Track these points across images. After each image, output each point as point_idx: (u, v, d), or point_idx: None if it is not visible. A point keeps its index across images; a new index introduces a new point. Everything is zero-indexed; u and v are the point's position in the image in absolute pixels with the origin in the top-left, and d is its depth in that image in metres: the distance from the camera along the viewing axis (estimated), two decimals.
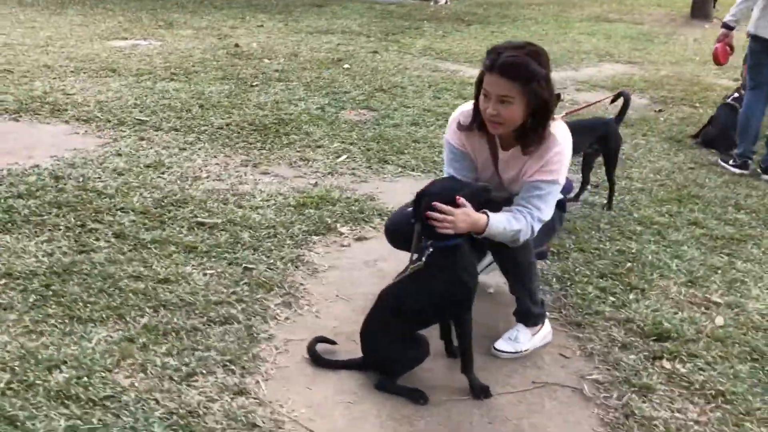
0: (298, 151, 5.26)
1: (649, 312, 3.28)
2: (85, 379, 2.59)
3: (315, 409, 2.60)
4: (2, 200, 4.03)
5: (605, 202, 4.49)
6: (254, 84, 7.21)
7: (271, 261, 3.59)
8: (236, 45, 9.20)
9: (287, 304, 3.24)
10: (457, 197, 2.59)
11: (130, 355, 2.75)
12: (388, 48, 9.83)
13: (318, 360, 2.82)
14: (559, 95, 2.75)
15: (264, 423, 2.48)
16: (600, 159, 4.38)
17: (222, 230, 3.87)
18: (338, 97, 6.86)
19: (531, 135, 2.73)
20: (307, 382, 2.74)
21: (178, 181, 4.52)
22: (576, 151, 4.01)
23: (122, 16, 11.35)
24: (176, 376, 2.66)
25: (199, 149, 5.19)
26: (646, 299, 3.42)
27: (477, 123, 2.81)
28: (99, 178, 4.48)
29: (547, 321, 3.10)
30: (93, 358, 2.71)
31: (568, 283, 3.55)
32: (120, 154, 4.95)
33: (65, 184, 4.32)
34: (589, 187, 4.60)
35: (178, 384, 2.62)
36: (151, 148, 5.13)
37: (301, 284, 3.43)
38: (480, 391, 2.71)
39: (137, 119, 5.79)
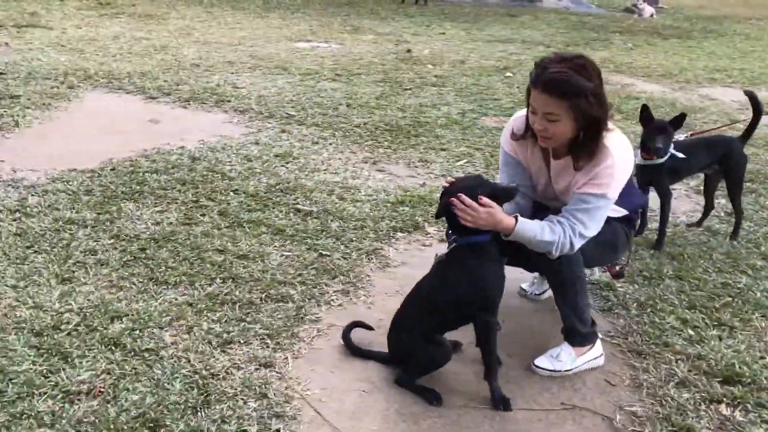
0: (420, 153, 5.35)
1: (728, 352, 2.95)
2: (138, 332, 2.89)
3: (329, 391, 2.68)
4: (141, 173, 4.55)
5: (731, 231, 4.04)
6: (408, 88, 7.39)
7: (348, 251, 3.71)
8: (408, 51, 9.47)
9: (345, 292, 3.34)
10: (480, 196, 2.53)
11: (183, 317, 3.01)
12: None
13: (350, 345, 2.90)
14: (609, 106, 2.58)
15: (274, 396, 2.60)
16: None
17: (315, 218, 4.06)
18: (485, 104, 6.84)
19: (582, 149, 2.60)
20: (332, 366, 2.82)
21: (297, 171, 4.80)
22: (692, 171, 3.71)
23: (316, 20, 12.14)
24: (215, 341, 2.87)
25: (330, 144, 5.46)
26: (732, 338, 3.07)
27: (530, 132, 2.72)
28: (230, 162, 4.90)
29: (598, 344, 2.91)
30: (151, 315, 3.00)
31: (648, 310, 3.29)
32: (257, 143, 5.35)
33: (198, 165, 4.77)
34: (713, 212, 4.18)
35: (213, 348, 2.83)
36: (287, 140, 5.49)
37: (367, 276, 3.52)
38: (499, 402, 2.63)
39: (286, 113, 6.21)
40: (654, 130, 3.70)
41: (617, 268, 3.24)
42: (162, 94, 6.56)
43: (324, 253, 3.65)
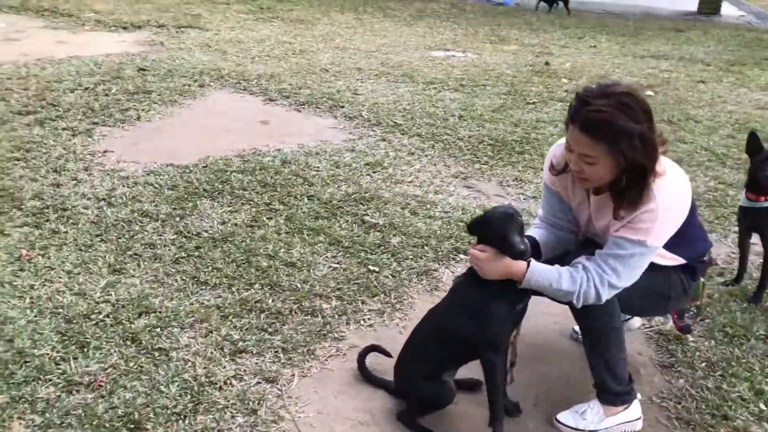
0: (518, 171, 5.06)
1: None
2: (158, 330, 2.93)
3: (324, 416, 2.56)
4: (228, 172, 4.67)
5: None
6: (532, 102, 7.05)
7: (399, 269, 3.56)
8: (546, 63, 9.07)
9: (381, 313, 3.20)
10: (474, 245, 2.31)
11: (207, 320, 3.02)
12: (721, 79, 8.71)
13: (363, 370, 2.76)
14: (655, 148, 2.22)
15: (264, 413, 2.53)
16: None
17: (378, 231, 3.95)
18: None
19: (624, 196, 2.26)
20: (337, 390, 2.70)
21: (381, 181, 4.71)
22: None
23: (463, 29, 11.99)
24: (228, 348, 2.85)
25: (425, 155, 5.31)
26: None
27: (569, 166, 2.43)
28: (317, 167, 4.90)
29: (636, 405, 2.54)
30: (178, 314, 3.04)
31: (718, 373, 2.84)
32: (353, 150, 5.32)
33: (285, 168, 4.82)
34: None
35: (223, 355, 2.80)
36: (383, 149, 5.41)
37: (411, 298, 3.35)
38: None
39: (394, 122, 6.14)
40: (764, 161, 3.18)
41: (685, 319, 2.82)
42: (281, 97, 6.73)
43: (372, 268, 3.52)
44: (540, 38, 11.40)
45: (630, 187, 2.24)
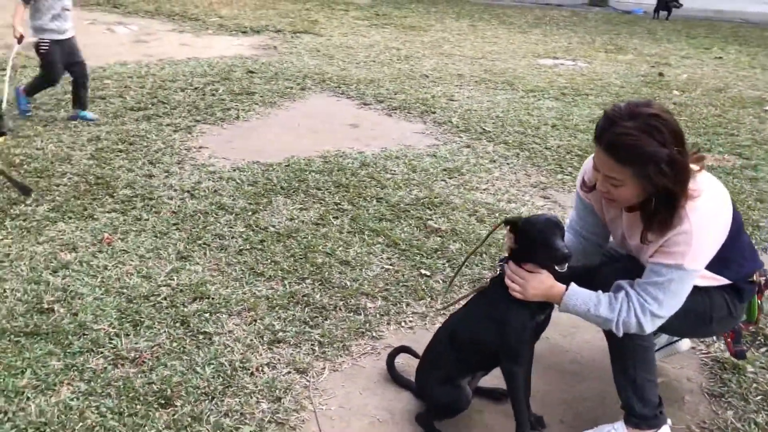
0: None
1: None
2: (208, 314, 3.10)
3: (344, 411, 2.62)
4: (308, 172, 4.85)
5: None
6: None
7: (452, 275, 3.56)
8: (660, 74, 8.69)
9: (423, 316, 3.23)
10: (524, 265, 2.27)
11: (254, 308, 3.17)
12: None
13: (391, 369, 2.80)
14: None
15: (287, 402, 2.62)
16: None
17: (439, 236, 3.97)
18: (715, 139, 6.02)
19: (653, 220, 2.18)
20: (364, 387, 2.75)
21: (454, 187, 4.72)
22: None
23: (579, 37, 11.69)
24: (268, 336, 2.98)
25: (507, 164, 5.26)
26: None
27: None
28: (394, 171, 4.98)
29: (665, 431, 2.42)
30: (229, 301, 3.21)
31: None
32: (434, 156, 5.36)
33: (362, 171, 4.93)
34: None
35: (262, 343, 2.93)
36: (465, 155, 5.41)
37: (458, 304, 3.34)
38: None
39: (483, 129, 6.12)
40: None
41: (741, 344, 2.66)
42: (376, 101, 6.87)
43: (425, 273, 3.54)
44: (660, 48, 10.92)
45: (659, 211, 2.14)
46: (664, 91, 7.81)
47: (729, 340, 2.68)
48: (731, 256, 2.30)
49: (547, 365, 2.90)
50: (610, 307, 2.20)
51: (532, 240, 2.23)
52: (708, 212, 2.14)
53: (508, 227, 2.32)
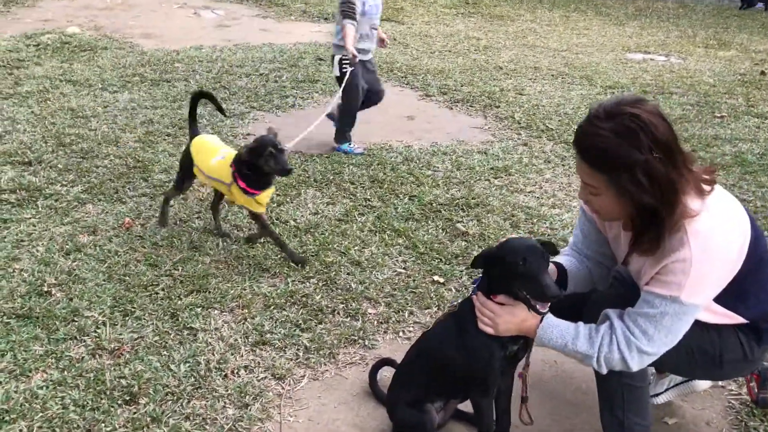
0: None
1: None
2: (200, 309, 3.05)
3: (312, 424, 2.49)
4: (346, 164, 4.71)
5: None
6: (720, 115, 6.24)
7: (468, 283, 3.34)
8: (762, 72, 7.97)
9: (424, 327, 3.03)
10: (493, 296, 2.04)
11: (249, 306, 3.08)
12: None
13: (372, 382, 2.63)
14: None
15: (254, 410, 2.50)
16: None
17: (464, 240, 3.74)
18: None
19: (641, 239, 1.90)
20: (340, 400, 2.60)
21: (495, 188, 4.46)
22: None
23: (679, 31, 10.95)
24: (253, 337, 2.87)
25: (563, 165, 4.94)
26: None
27: None
28: (437, 167, 4.77)
29: None
30: (225, 297, 3.13)
31: None
32: (485, 153, 5.10)
33: (404, 166, 4.75)
34: None
35: (245, 344, 2.83)
36: (519, 154, 5.12)
37: None
38: None
39: (546, 126, 5.78)
40: None
41: (765, 391, 2.32)
42: (439, 93, 6.64)
43: (438, 279, 3.33)
44: None
45: (646, 230, 1.85)
46: (761, 92, 7.14)
47: (752, 384, 2.33)
48: (751, 290, 1.98)
49: (548, 392, 2.65)
50: (590, 341, 1.93)
51: (511, 270, 1.96)
52: (714, 238, 1.83)
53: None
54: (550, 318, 1.98)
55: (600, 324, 1.97)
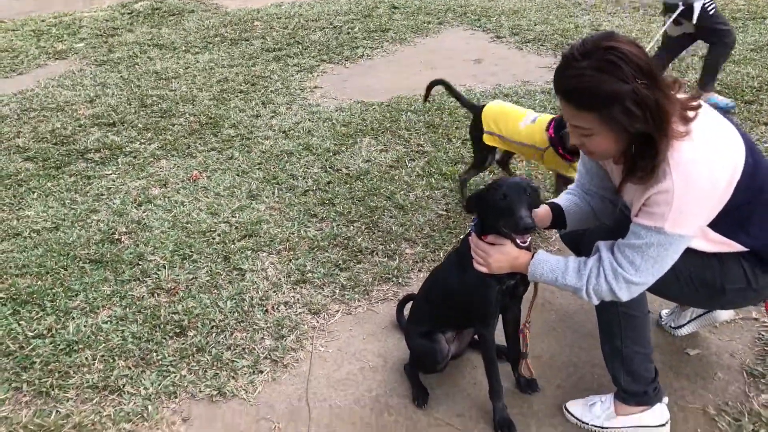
0: None
1: None
2: (249, 252, 3.29)
3: (341, 354, 2.68)
4: (404, 111, 4.82)
5: None
6: None
7: None
8: None
9: None
10: (484, 236, 2.13)
11: (294, 248, 3.30)
12: None
13: (398, 315, 2.79)
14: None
15: (289, 341, 2.73)
16: None
17: None
18: None
19: (636, 169, 1.91)
20: (370, 333, 2.78)
21: None
22: None
23: None
24: (295, 276, 3.09)
25: None
26: None
27: None
28: None
29: (661, 409, 2.20)
30: (273, 240, 3.36)
31: None
32: (549, 92, 5.05)
33: (461, 111, 4.79)
34: None
35: (287, 282, 3.06)
36: None
37: None
38: (501, 424, 2.27)
39: None
40: None
41: None
42: (510, 34, 6.55)
43: None
44: None
45: (639, 160, 1.87)
46: None
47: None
48: (752, 217, 1.96)
49: (568, 326, 2.71)
50: (578, 274, 1.99)
51: (493, 206, 2.04)
52: (697, 166, 1.83)
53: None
54: (540, 254, 2.05)
55: (591, 256, 2.02)
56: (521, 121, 3.12)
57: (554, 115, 3.01)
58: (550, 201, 2.28)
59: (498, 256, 2.08)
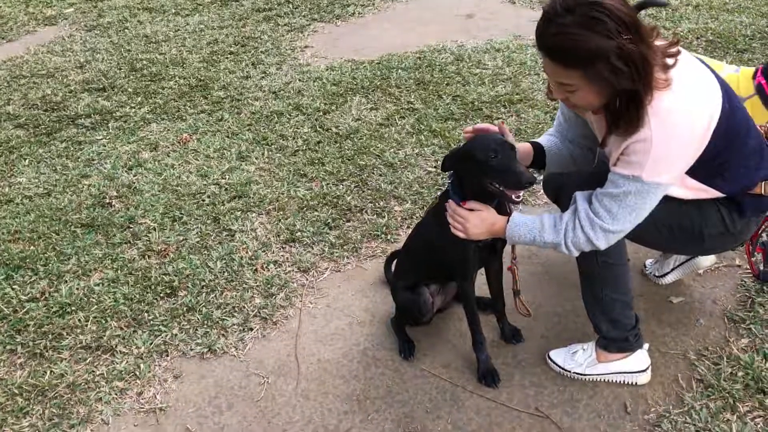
0: None
1: None
2: (239, 213, 3.32)
3: (330, 310, 2.72)
4: (394, 69, 4.78)
5: None
6: None
7: None
8: None
9: None
10: (463, 202, 2.12)
11: (283, 208, 3.32)
12: None
13: (386, 271, 2.82)
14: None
15: (278, 299, 2.78)
16: None
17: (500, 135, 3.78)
18: None
19: (620, 121, 1.89)
20: (358, 289, 2.81)
21: (542, 82, 4.41)
22: None
23: None
24: (284, 235, 3.12)
25: None
26: None
27: None
28: (486, 65, 4.75)
29: (641, 356, 2.24)
30: (263, 200, 3.39)
31: None
32: None
33: (452, 66, 4.75)
34: None
35: (276, 242, 3.09)
36: None
37: None
38: (486, 375, 2.32)
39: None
40: None
41: (761, 266, 2.34)
42: None
43: None
44: None
45: (624, 111, 1.87)
46: None
47: (754, 258, 2.33)
48: (729, 164, 1.97)
49: (553, 277, 2.74)
50: (555, 229, 2.00)
51: (482, 165, 2.00)
52: (675, 117, 1.83)
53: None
54: (515, 217, 2.05)
55: (569, 207, 2.03)
56: (721, 71, 2.95)
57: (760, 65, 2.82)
58: (532, 140, 2.28)
59: (476, 221, 2.08)
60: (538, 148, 2.25)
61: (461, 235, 2.11)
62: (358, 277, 2.84)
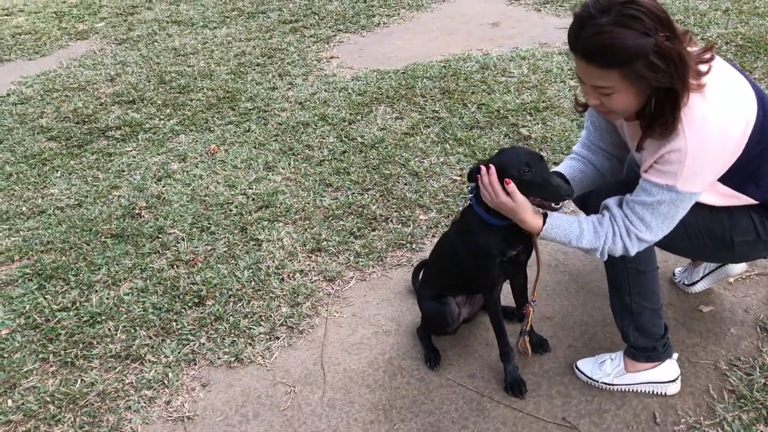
0: None
1: None
2: (266, 222, 3.35)
3: (355, 319, 2.72)
4: (419, 78, 4.80)
5: None
6: None
7: None
8: None
9: None
10: (507, 180, 2.09)
11: (309, 218, 3.34)
12: None
13: (414, 281, 2.82)
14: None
15: (305, 308, 2.79)
16: None
17: (525, 144, 3.78)
18: None
19: (655, 124, 1.87)
20: (384, 298, 2.82)
21: (569, 90, 4.40)
22: None
23: None
24: (310, 245, 3.14)
25: None
26: None
27: None
28: (511, 74, 4.74)
29: (671, 366, 2.21)
30: (289, 210, 3.40)
31: None
32: (566, 54, 4.99)
33: (477, 75, 4.75)
34: None
35: (302, 251, 3.11)
36: None
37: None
38: (512, 385, 2.30)
39: None
40: None
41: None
42: None
43: None
44: None
45: (659, 115, 1.85)
46: None
47: None
48: (761, 169, 1.95)
49: (581, 286, 2.72)
50: (595, 235, 1.98)
51: (518, 180, 1.99)
52: (710, 126, 1.81)
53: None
54: (554, 218, 2.02)
55: (601, 215, 2.01)
56: None
57: None
58: (553, 170, 2.26)
59: (506, 203, 2.01)
60: (561, 177, 2.23)
61: (488, 201, 2.05)
62: (383, 286, 2.84)
